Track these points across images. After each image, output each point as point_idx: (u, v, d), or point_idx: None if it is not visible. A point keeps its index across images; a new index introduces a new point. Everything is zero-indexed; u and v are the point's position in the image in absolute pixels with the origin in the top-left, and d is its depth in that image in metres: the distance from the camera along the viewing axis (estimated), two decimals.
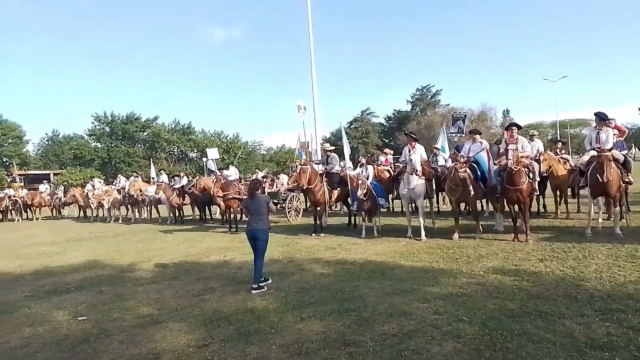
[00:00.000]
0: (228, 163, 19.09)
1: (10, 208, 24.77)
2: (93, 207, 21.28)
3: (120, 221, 19.88)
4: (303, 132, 17.21)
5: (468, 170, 9.04)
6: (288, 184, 16.36)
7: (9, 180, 40.05)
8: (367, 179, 11.11)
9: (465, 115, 16.41)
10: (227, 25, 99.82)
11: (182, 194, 17.36)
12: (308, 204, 19.05)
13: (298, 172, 11.49)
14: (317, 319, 4.94)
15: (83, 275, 8.23)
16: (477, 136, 10.26)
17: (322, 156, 13.02)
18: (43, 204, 25.14)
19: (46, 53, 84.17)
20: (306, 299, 5.77)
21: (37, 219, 24.85)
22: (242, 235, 12.18)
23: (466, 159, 9.46)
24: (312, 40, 20.46)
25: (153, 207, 19.66)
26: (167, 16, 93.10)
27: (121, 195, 20.07)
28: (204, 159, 20.28)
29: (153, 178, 21.68)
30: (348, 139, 15.07)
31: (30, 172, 48.43)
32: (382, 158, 18.21)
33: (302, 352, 4.07)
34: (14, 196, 25.12)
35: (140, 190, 18.79)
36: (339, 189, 11.99)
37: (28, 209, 25.45)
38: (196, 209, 18.22)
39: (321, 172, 11.83)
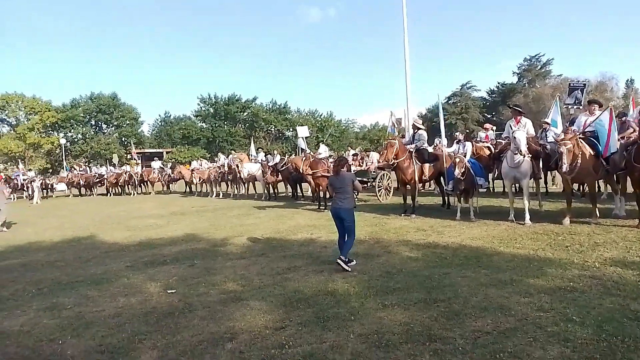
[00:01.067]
0: (320, 141, 19.06)
1: (127, 183, 27.43)
2: (196, 182, 22.82)
3: (220, 196, 21.02)
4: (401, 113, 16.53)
5: (586, 146, 7.88)
6: (378, 161, 15.97)
7: (127, 157, 44.38)
8: (465, 156, 10.25)
9: (584, 84, 14.38)
10: (323, 4, 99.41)
11: (275, 171, 17.76)
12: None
13: (385, 147, 10.97)
14: (401, 307, 4.55)
15: (179, 248, 8.66)
16: (596, 107, 8.88)
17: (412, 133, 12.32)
18: (156, 180, 27.54)
19: (159, 40, 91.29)
20: (391, 284, 5.39)
21: (149, 193, 27.30)
22: (329, 214, 12.08)
23: (579, 132, 8.26)
24: (406, 11, 19.45)
25: (250, 183, 20.46)
26: None
27: (221, 172, 21.13)
28: (295, 138, 20.56)
29: (253, 156, 22.54)
30: (446, 115, 14.17)
31: (145, 150, 53.35)
32: (481, 134, 16.88)
33: (381, 344, 3.74)
34: (130, 172, 27.75)
35: (239, 166, 19.54)
36: (429, 165, 11.26)
37: (142, 184, 28.03)
38: (288, 186, 18.57)
39: (411, 149, 11.17)
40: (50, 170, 49.96)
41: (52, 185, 31.41)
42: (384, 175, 14.71)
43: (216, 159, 25.54)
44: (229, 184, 21.73)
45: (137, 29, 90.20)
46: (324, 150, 18.76)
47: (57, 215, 17.72)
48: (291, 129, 61.81)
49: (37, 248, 9.77)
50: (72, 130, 56.07)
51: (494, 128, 17.52)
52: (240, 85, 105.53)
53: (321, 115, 64.93)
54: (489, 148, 14.17)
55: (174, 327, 4.42)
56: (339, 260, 6.17)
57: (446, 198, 12.09)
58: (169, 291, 5.68)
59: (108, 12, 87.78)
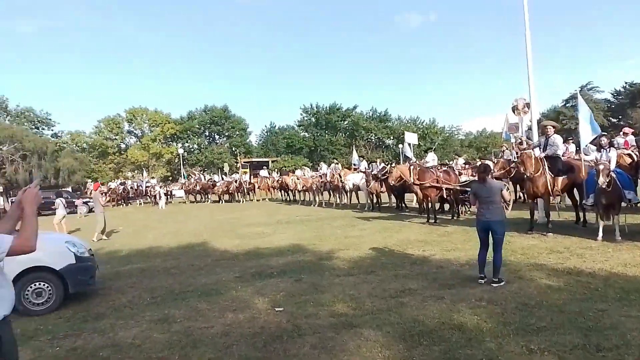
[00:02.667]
0: (424, 149, 18.08)
1: (237, 190, 28.76)
2: (299, 190, 23.14)
3: (323, 205, 20.96)
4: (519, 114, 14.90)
5: None
6: (493, 171, 14.56)
7: (237, 166, 46.88)
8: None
9: None
10: (423, 9, 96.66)
11: (379, 180, 17.16)
12: (518, 194, 16.76)
13: (519, 157, 9.77)
14: (553, 355, 3.68)
15: (286, 260, 8.45)
16: None
17: (539, 137, 10.92)
18: (262, 187, 28.58)
19: (266, 55, 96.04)
20: (532, 321, 4.49)
21: (257, 200, 28.35)
22: (442, 228, 11.21)
23: None
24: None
25: (352, 192, 20.10)
26: (362, 6, 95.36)
27: (323, 181, 21.09)
28: (400, 146, 19.74)
29: (354, 165, 22.24)
30: (564, 119, 12.45)
31: (252, 159, 55.98)
32: (619, 139, 14.61)
33: None
34: (240, 180, 29.08)
35: (341, 177, 19.35)
36: (564, 177, 9.82)
37: (250, 192, 29.22)
38: (392, 196, 17.84)
39: (541, 156, 9.84)
40: (170, 178, 54.62)
41: (171, 192, 34.18)
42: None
43: (318, 167, 25.70)
44: (331, 193, 21.61)
45: (245, 46, 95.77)
46: (431, 159, 17.72)
47: (175, 220, 18.95)
48: (391, 137, 60.72)
49: (156, 253, 10.26)
50: (189, 141, 60.85)
51: (636, 133, 15.09)
52: (341, 94, 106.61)
53: (423, 122, 62.90)
54: (630, 155, 12.14)
55: (283, 354, 4.03)
56: (493, 284, 5.80)
57: (580, 214, 10.49)
58: (277, 309, 5.37)
59: (219, 30, 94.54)
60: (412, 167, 13.29)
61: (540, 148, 10.17)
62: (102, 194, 14.63)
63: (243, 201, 28.18)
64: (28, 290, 5.77)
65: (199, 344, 4.39)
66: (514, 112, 14.79)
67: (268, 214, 18.80)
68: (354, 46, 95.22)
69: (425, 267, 7.24)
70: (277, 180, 27.82)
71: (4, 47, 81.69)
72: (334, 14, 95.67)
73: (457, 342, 4.07)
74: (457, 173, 14.14)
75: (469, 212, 13.90)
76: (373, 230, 11.77)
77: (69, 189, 36.18)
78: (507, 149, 17.44)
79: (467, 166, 16.71)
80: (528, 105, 12.92)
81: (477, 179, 6.61)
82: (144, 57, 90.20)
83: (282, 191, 27.29)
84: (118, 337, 4.68)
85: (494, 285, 5.82)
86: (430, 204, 13.04)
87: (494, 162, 15.83)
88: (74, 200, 28.21)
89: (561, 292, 5.36)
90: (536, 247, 8.15)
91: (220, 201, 29.35)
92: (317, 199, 22.06)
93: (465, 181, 13.08)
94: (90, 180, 43.42)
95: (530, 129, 13.45)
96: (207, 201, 31.31)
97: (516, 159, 12.32)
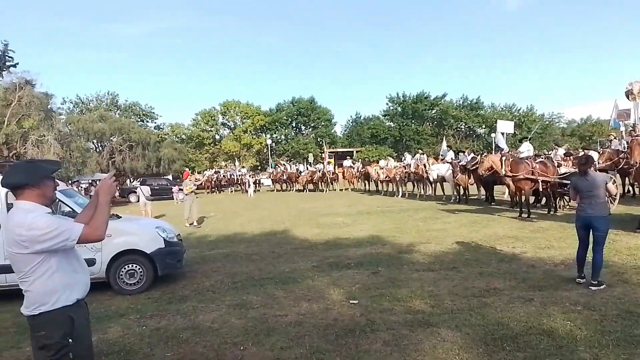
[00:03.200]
0: (520, 138, 16.75)
1: (320, 180, 29.13)
2: (381, 181, 22.83)
3: (406, 196, 20.46)
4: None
5: None
6: (598, 162, 13.11)
7: (321, 156, 47.41)
8: None
9: None
10: None
11: (466, 171, 16.29)
12: (627, 187, 14.98)
13: (629, 145, 8.70)
14: None
15: (364, 251, 8.33)
16: None
17: None
18: (346, 177, 28.66)
19: (350, 46, 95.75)
20: (637, 331, 3.94)
21: (340, 190, 28.52)
22: (536, 224, 10.35)
23: None
24: None
25: (438, 184, 19.34)
26: None
27: (407, 171, 20.54)
28: (492, 135, 18.52)
29: (441, 155, 21.37)
30: None
31: (337, 149, 56.31)
32: None
33: None
34: (323, 170, 29.40)
35: (426, 167, 18.69)
36: None
37: (333, 181, 29.45)
38: (482, 188, 16.85)
39: None
40: (259, 168, 56.87)
41: (259, 180, 35.57)
42: (609, 179, 11.98)
43: (402, 157, 25.09)
44: (415, 184, 21.00)
45: (332, 40, 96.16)
46: (526, 149, 16.39)
47: (261, 207, 19.66)
48: (483, 126, 57.53)
49: (240, 240, 10.69)
50: (277, 132, 62.82)
51: None
52: (429, 82, 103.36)
53: (519, 109, 58.73)
54: None
55: (354, 348, 3.93)
56: (592, 287, 5.28)
57: None
58: (351, 301, 5.28)
59: (306, 24, 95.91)
60: (504, 158, 12.40)
61: None
62: (191, 182, 15.26)
63: (326, 191, 28.45)
64: (122, 271, 6.29)
65: (272, 332, 4.44)
66: (627, 97, 13.18)
67: (349, 204, 18.76)
68: (444, 32, 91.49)
69: (514, 265, 6.71)
70: (360, 171, 27.73)
71: (115, 48, 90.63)
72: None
73: (545, 350, 3.68)
74: (555, 164, 12.94)
75: (567, 207, 12.71)
76: (458, 223, 11.21)
77: (169, 177, 39.09)
78: (615, 138, 15.62)
79: (568, 157, 15.22)
80: (627, 113, 11.46)
81: (577, 171, 6.06)
82: (238, 54, 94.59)
83: (365, 181, 27.15)
84: (198, 320, 4.90)
85: (593, 288, 5.25)
86: (523, 197, 12.10)
87: (599, 153, 14.29)
88: (172, 187, 30.42)
89: None
90: None
91: (305, 190, 29.92)
92: (400, 189, 21.58)
93: (565, 173, 11.93)
94: (187, 169, 46.77)
95: None
96: (292, 190, 32.13)
97: (625, 149, 11.00)
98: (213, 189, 36.42)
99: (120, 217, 7.35)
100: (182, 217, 14.18)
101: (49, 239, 2.21)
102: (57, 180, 7.84)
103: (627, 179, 14.36)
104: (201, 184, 37.62)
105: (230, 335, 4.38)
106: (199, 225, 13.85)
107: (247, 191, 30.66)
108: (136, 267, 6.35)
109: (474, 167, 15.48)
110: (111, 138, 39.10)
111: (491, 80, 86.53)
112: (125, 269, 6.31)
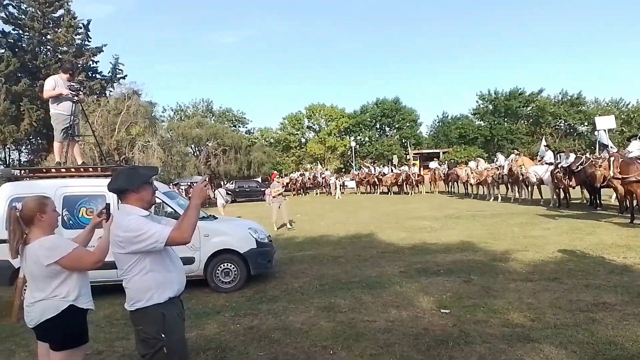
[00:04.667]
0: (629, 137, 15.05)
1: (405, 182, 28.59)
2: (473, 184, 21.78)
3: (499, 200, 19.36)
4: None
5: None
6: None
7: (406, 158, 46.57)
8: None
9: None
10: None
11: (568, 173, 14.97)
12: None
13: None
14: None
15: (454, 257, 8.00)
16: None
17: None
18: (432, 179, 27.87)
19: (435, 44, 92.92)
20: None
21: (426, 192, 27.78)
22: None
23: None
24: None
25: (535, 187, 18.01)
26: None
27: (500, 173, 19.41)
28: (595, 133, 16.83)
29: (539, 155, 19.90)
30: None
31: (422, 151, 54.92)
32: None
33: None
34: (408, 172, 28.82)
35: (522, 168, 17.49)
36: None
37: (419, 184, 28.75)
38: (585, 191, 15.40)
39: None
40: (343, 170, 57.30)
41: (344, 182, 35.82)
42: None
43: (494, 158, 23.76)
44: (509, 187, 19.75)
45: (418, 37, 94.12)
46: (636, 148, 14.70)
47: (345, 210, 19.76)
48: (586, 123, 52.63)
49: (326, 242, 10.82)
50: (361, 134, 62.84)
51: None
52: (523, 77, 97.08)
53: (628, 104, 52.89)
54: None
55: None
56: None
57: None
58: (442, 310, 5.08)
59: (389, 26, 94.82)
60: (612, 158, 11.23)
61: None
62: (279, 183, 15.39)
63: (411, 193, 27.84)
64: (218, 270, 6.65)
65: (361, 337, 4.41)
66: None
67: (436, 207, 18.17)
68: (540, 22, 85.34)
69: (626, 277, 6.03)
70: (446, 173, 26.78)
71: (210, 56, 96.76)
72: None
73: None
74: None
75: None
76: (559, 230, 10.34)
77: (259, 179, 40.82)
78: None
79: None
80: None
81: None
82: (323, 57, 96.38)
83: (453, 184, 26.16)
84: (288, 321, 5.02)
85: None
86: (635, 202, 10.86)
87: None
88: (262, 189, 31.71)
89: None
90: None
91: (389, 193, 29.55)
92: (492, 193, 20.45)
93: None
94: (275, 171, 48.54)
95: None
96: (376, 192, 31.89)
97: None
98: (299, 191, 37.36)
99: (217, 217, 7.80)
100: (269, 218, 14.26)
101: (140, 241, 2.37)
102: (161, 183, 8.53)
103: None
104: (287, 185, 38.96)
105: (320, 338, 4.42)
106: (291, 227, 13.76)
107: (332, 193, 31.03)
108: (231, 266, 6.69)
109: (578, 169, 14.21)
110: (207, 143, 41.82)
111: (594, 73, 79.08)
112: (220, 267, 6.67)
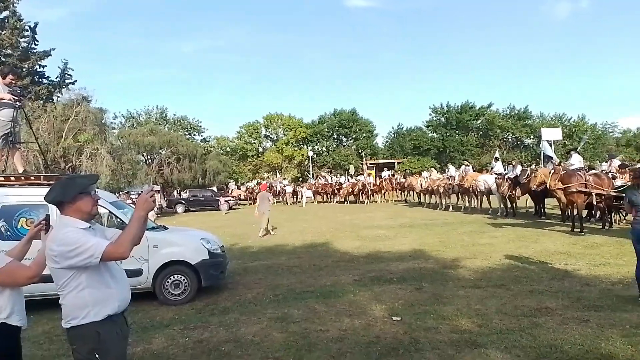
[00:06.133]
0: (570, 149, 16.03)
1: (361, 192, 28.96)
2: (424, 193, 22.45)
3: (450, 209, 19.96)
4: None
5: None
6: None
7: (362, 168, 47.25)
8: None
9: None
10: None
11: (514, 184, 15.68)
12: None
13: None
14: None
15: (406, 265, 8.15)
16: None
17: None
18: (387, 189, 28.38)
19: (390, 55, 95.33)
20: None
21: (381, 202, 28.20)
22: (590, 239, 9.81)
23: None
24: None
25: (484, 196, 18.73)
26: None
27: (451, 183, 20.06)
28: (540, 146, 17.79)
29: (491, 166, 20.74)
30: None
31: (379, 161, 55.89)
32: None
33: None
34: (364, 182, 29.22)
35: (470, 180, 18.19)
36: None
37: (374, 193, 29.20)
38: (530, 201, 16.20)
39: None
40: (300, 179, 57.31)
41: (300, 192, 35.81)
42: None
43: (446, 169, 24.57)
44: (460, 196, 20.44)
45: (374, 52, 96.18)
46: (577, 161, 15.63)
47: (302, 219, 19.74)
48: (532, 136, 55.44)
49: (282, 251, 10.74)
50: (318, 144, 63.17)
51: None
52: (474, 92, 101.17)
53: (570, 119, 56.24)
54: None
55: None
56: None
57: None
58: (394, 318, 5.15)
59: (347, 37, 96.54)
60: (554, 170, 11.88)
61: None
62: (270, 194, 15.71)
63: (367, 203, 28.21)
64: (168, 282, 6.44)
65: (313, 347, 4.38)
66: None
67: (391, 216, 18.49)
68: (491, 40, 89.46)
69: (567, 283, 6.36)
70: (400, 182, 27.38)
71: (167, 65, 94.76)
72: (469, 5, 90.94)
73: None
74: (610, 177, 12.26)
75: (624, 221, 11.97)
76: (506, 238, 10.78)
77: (214, 188, 40.04)
78: None
79: (623, 169, 14.37)
80: None
81: (632, 183, 5.88)
82: (281, 68, 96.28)
83: (406, 193, 26.80)
84: (240, 333, 4.91)
85: None
86: (575, 211, 11.50)
87: None
88: (217, 198, 31.14)
89: None
90: None
91: (346, 202, 29.81)
92: (443, 202, 21.09)
93: (621, 186, 11.27)
94: (232, 180, 47.90)
95: None
96: (333, 202, 32.09)
97: None
98: (255, 201, 36.98)
99: (167, 228, 7.56)
100: (224, 227, 14.37)
101: (75, 256, 2.22)
102: (107, 192, 8.20)
103: None
104: (241, 196, 38.51)
105: (272, 350, 4.36)
106: (272, 234, 14.15)
107: (288, 202, 31.01)
108: (181, 277, 6.49)
109: (525, 180, 14.91)
110: (160, 151, 40.64)
111: (540, 89, 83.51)
112: (170, 279, 6.46)
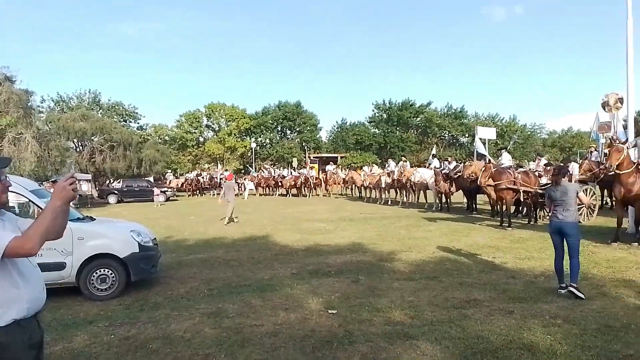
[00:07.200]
0: (501, 148, 16.96)
1: (303, 185, 29.00)
2: (365, 187, 22.87)
3: (389, 203, 20.46)
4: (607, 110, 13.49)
5: None
6: (578, 174, 13.28)
7: (305, 161, 47.32)
8: None
9: None
10: (508, 2, 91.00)
11: (449, 180, 16.36)
12: (605, 199, 15.21)
13: (609, 152, 8.79)
14: None
15: (345, 259, 8.22)
16: None
17: (635, 137, 9.72)
18: (329, 183, 28.62)
19: (340, 51, 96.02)
20: (617, 347, 3.90)
21: (324, 195, 28.40)
22: (516, 234, 10.41)
23: None
24: None
25: (421, 192, 19.38)
26: None
27: (390, 178, 20.57)
28: (474, 143, 18.70)
29: (428, 162, 21.49)
30: None
31: (321, 155, 56.26)
32: None
33: None
34: (307, 175, 29.26)
35: (408, 175, 18.76)
36: None
37: (317, 187, 29.35)
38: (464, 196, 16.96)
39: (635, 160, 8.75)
40: (243, 171, 56.44)
41: (243, 184, 35.24)
42: (586, 190, 12.11)
43: (386, 164, 25.17)
44: (398, 191, 21.04)
45: (320, 45, 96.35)
46: (507, 159, 16.55)
47: (243, 212, 19.35)
48: (467, 135, 58.14)
49: (219, 244, 10.47)
50: (262, 136, 62.47)
51: None
52: (416, 90, 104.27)
53: (502, 119, 59.55)
54: None
55: None
56: (571, 289, 5.37)
57: None
58: (330, 311, 5.15)
59: (293, 27, 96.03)
60: (483, 169, 12.48)
61: (637, 150, 9.07)
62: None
63: (309, 196, 28.31)
64: (93, 276, 6.05)
65: (247, 342, 4.28)
66: (604, 108, 13.40)
67: (332, 210, 18.66)
68: (432, 40, 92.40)
69: (494, 276, 6.68)
70: (343, 177, 27.72)
71: (106, 47, 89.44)
72: (413, 5, 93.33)
73: None
74: (537, 175, 13.08)
75: (547, 217, 12.80)
76: (439, 232, 11.19)
77: (151, 179, 38.41)
78: (595, 150, 15.91)
79: (548, 168, 15.40)
80: (621, 100, 11.62)
81: (551, 181, 6.34)
82: (224, 56, 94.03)
83: (350, 187, 27.15)
84: (170, 329, 4.70)
85: (573, 291, 5.37)
86: (504, 207, 12.16)
87: (578, 164, 14.49)
88: (153, 189, 29.91)
89: None
90: (624, 260, 7.27)
91: (288, 195, 29.73)
92: (383, 196, 21.61)
93: (546, 184, 12.04)
94: (170, 171, 46.14)
95: (626, 127, 12.05)
96: (275, 194, 31.91)
97: (605, 161, 11.15)
98: (194, 192, 35.98)
99: (95, 219, 7.11)
100: (159, 219, 13.91)
101: None
102: (28, 180, 7.57)
103: (605, 191, 14.58)
104: (181, 186, 37.27)
105: (203, 346, 4.20)
106: (236, 222, 14.63)
107: (240, 194, 30.35)
108: (108, 271, 6.11)
109: (457, 175, 15.58)
110: (92, 138, 38.31)
111: (475, 90, 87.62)
112: (96, 273, 6.06)
